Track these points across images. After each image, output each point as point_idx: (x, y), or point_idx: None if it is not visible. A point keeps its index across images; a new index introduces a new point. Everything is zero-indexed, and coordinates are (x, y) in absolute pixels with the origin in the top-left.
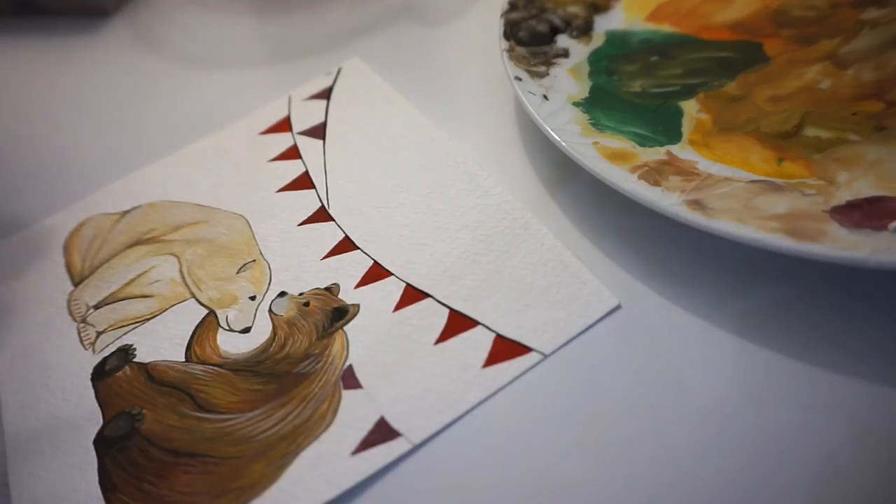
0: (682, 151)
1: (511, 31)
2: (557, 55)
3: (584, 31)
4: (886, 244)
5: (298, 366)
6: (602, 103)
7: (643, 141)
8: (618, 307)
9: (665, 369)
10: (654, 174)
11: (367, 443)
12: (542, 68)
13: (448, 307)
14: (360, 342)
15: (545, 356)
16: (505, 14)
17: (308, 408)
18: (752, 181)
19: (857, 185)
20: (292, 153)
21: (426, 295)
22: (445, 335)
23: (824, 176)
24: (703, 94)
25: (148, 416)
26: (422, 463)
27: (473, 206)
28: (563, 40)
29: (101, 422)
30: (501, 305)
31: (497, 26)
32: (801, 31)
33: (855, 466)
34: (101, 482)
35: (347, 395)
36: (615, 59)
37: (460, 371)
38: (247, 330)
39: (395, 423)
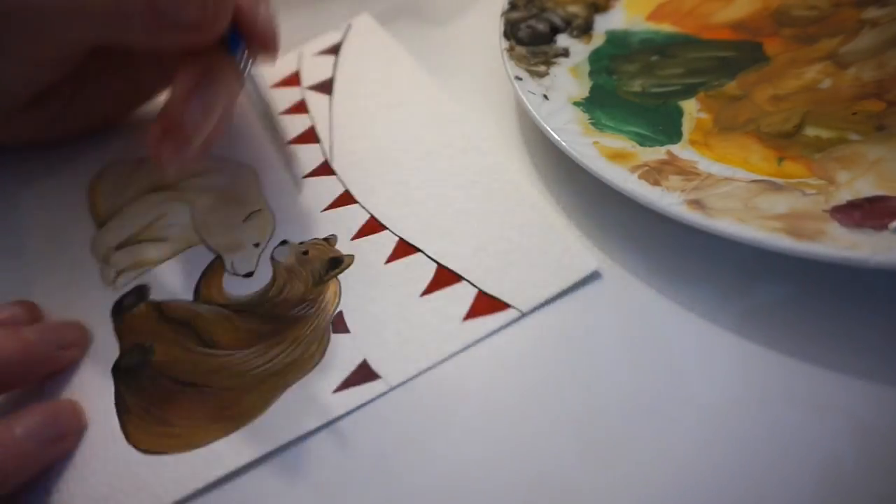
0: (682, 151)
1: (511, 31)
2: (558, 55)
3: (585, 30)
4: (887, 244)
5: (293, 309)
6: (602, 103)
7: (643, 140)
8: (595, 273)
9: (666, 369)
10: (654, 174)
11: (349, 382)
12: (543, 68)
13: (436, 262)
14: (352, 291)
15: (522, 314)
16: (505, 14)
17: (299, 348)
18: (753, 181)
19: (857, 185)
20: (300, 108)
21: (417, 249)
22: (431, 288)
23: (825, 175)
24: (703, 93)
25: (158, 350)
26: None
27: (469, 166)
28: (563, 40)
29: (117, 353)
30: (486, 263)
31: (497, 26)
32: (802, 30)
33: (857, 466)
34: (116, 405)
35: (336, 338)
36: (615, 58)
37: (441, 322)
38: (249, 274)
39: (375, 366)
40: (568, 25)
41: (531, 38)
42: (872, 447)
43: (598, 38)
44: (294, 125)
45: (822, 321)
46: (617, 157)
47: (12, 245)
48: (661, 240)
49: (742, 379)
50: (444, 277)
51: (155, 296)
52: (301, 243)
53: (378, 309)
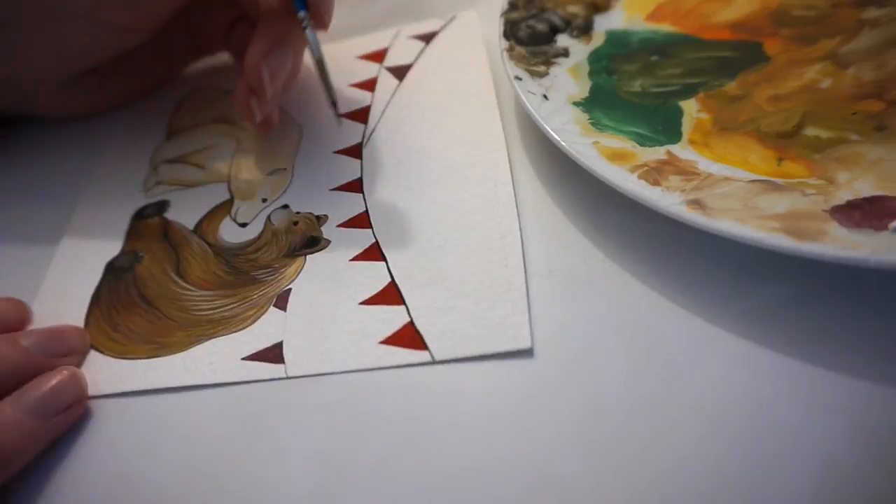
0: (682, 151)
1: (511, 31)
2: (557, 55)
3: (584, 30)
4: (887, 244)
5: (258, 271)
6: (602, 103)
7: (643, 140)
8: (528, 350)
9: (665, 369)
10: (654, 174)
11: (259, 356)
12: (542, 68)
13: (392, 277)
14: (310, 274)
15: (433, 361)
16: (505, 14)
17: (241, 307)
18: (753, 181)
19: (857, 185)
20: (369, 84)
21: (383, 257)
22: (373, 300)
23: (824, 175)
24: (703, 93)
25: (145, 262)
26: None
27: (476, 196)
28: (563, 40)
29: (117, 251)
30: (433, 297)
31: (497, 26)
32: (801, 30)
33: (856, 466)
34: (93, 296)
35: (272, 311)
36: (615, 58)
37: (360, 337)
38: (244, 225)
39: (286, 352)
40: (568, 25)
41: (531, 38)
42: (872, 447)
43: (597, 38)
44: (354, 99)
45: (821, 321)
46: (617, 157)
47: (99, 129)
48: (661, 240)
49: (742, 379)
50: (389, 295)
51: (169, 214)
52: (297, 213)
53: (319, 300)
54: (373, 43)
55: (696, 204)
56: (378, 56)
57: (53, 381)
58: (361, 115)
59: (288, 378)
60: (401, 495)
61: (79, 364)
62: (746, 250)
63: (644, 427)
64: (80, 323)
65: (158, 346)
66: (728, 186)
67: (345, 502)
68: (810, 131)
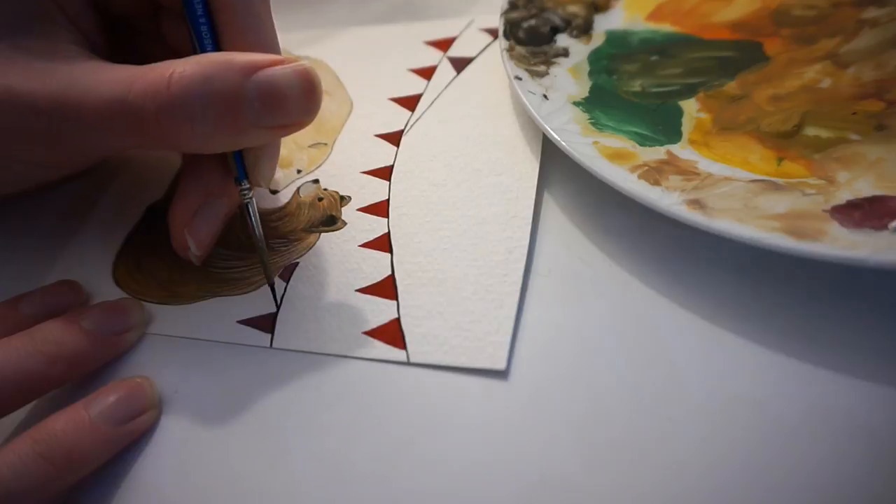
0: (682, 151)
1: (511, 31)
2: (557, 54)
3: (584, 30)
4: (886, 244)
5: (274, 240)
6: (602, 103)
7: (643, 140)
8: (502, 372)
9: (665, 369)
10: (654, 174)
11: (252, 322)
12: (542, 67)
13: (392, 271)
14: (320, 252)
15: (408, 362)
16: (505, 14)
17: (248, 272)
18: (753, 181)
19: (857, 185)
20: (428, 72)
21: (390, 250)
22: (369, 290)
23: (824, 175)
24: (703, 93)
25: None
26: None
27: (494, 204)
28: (562, 40)
29: (160, 196)
30: (425, 299)
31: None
32: (801, 30)
33: (856, 467)
34: (128, 235)
35: (276, 281)
36: (615, 58)
37: (346, 324)
38: (274, 192)
39: (278, 322)
40: (568, 25)
41: (531, 38)
42: (872, 447)
43: (597, 38)
44: (407, 85)
45: (821, 321)
46: (617, 157)
47: None
48: (661, 240)
49: (742, 379)
50: (385, 288)
51: None
52: (325, 189)
53: (320, 280)
54: (444, 29)
55: (696, 204)
56: (444, 44)
57: (126, 388)
58: (411, 102)
59: (271, 349)
60: (400, 495)
61: (138, 336)
62: (746, 250)
63: (644, 427)
64: (112, 256)
65: (170, 294)
66: (728, 186)
67: (344, 501)
68: (810, 131)
